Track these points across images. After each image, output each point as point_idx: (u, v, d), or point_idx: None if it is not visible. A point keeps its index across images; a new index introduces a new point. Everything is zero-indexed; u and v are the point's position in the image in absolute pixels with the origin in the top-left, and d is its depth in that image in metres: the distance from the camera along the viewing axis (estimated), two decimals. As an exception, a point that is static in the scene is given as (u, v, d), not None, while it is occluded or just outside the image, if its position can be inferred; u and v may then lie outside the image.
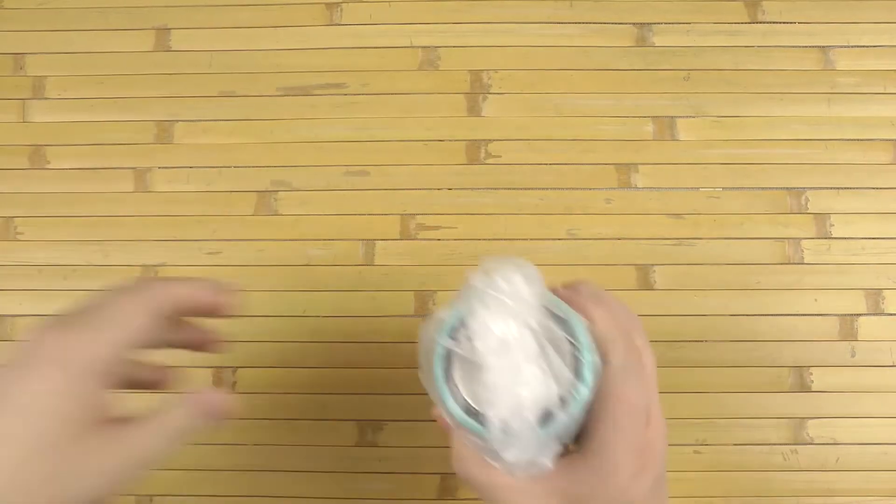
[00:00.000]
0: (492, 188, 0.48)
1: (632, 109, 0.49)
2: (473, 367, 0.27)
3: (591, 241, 0.48)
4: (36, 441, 0.25)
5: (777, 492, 0.45)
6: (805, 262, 0.47)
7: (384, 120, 0.49)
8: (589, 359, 0.27)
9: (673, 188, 0.48)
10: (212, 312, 0.31)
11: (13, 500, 0.25)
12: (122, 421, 0.27)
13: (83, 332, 0.27)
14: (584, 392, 0.27)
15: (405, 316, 0.47)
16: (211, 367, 0.46)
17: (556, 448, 0.28)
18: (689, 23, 0.50)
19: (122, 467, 0.27)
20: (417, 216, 0.48)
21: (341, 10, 0.51)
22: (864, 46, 0.50)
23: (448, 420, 0.28)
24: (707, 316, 0.47)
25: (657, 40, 0.50)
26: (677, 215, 0.48)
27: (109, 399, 0.27)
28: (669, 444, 0.45)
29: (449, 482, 0.45)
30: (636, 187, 0.48)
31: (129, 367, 0.31)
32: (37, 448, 0.25)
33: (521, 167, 0.49)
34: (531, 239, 0.48)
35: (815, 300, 0.47)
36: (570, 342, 0.28)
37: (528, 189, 0.48)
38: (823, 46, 0.50)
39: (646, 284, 0.47)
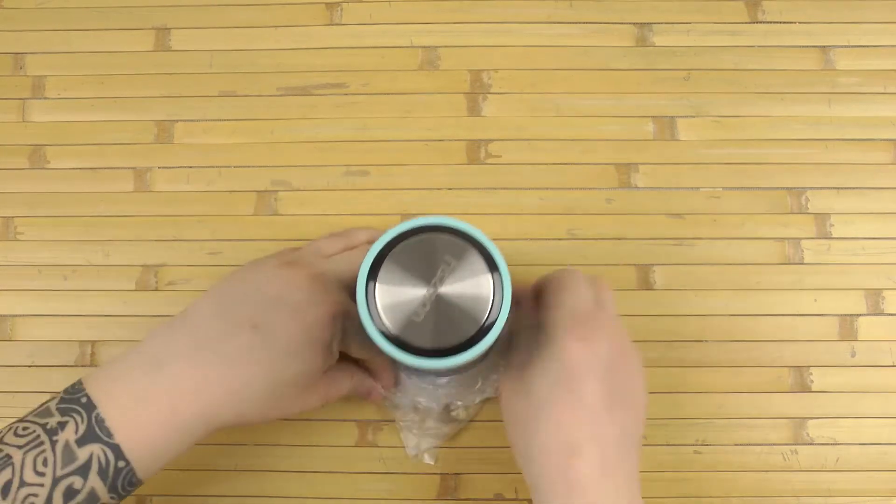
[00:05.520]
0: (492, 188, 0.48)
1: (632, 109, 0.49)
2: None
3: (591, 241, 0.48)
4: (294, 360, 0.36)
5: (777, 492, 0.45)
6: (805, 262, 0.47)
7: (384, 120, 0.49)
8: (501, 262, 0.34)
9: (673, 188, 0.48)
10: None
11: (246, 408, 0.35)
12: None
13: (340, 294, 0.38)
14: (507, 282, 0.34)
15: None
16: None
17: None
18: (690, 23, 0.50)
19: (315, 403, 0.39)
20: (418, 216, 0.48)
21: (341, 10, 0.51)
22: (864, 46, 0.50)
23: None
24: (707, 316, 0.47)
25: (657, 40, 0.50)
26: (677, 215, 0.48)
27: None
28: (669, 444, 0.45)
29: (449, 482, 0.45)
30: (636, 187, 0.48)
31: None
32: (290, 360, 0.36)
33: (521, 167, 0.49)
34: (531, 239, 0.48)
35: (815, 300, 0.47)
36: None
37: (528, 189, 0.48)
38: (823, 46, 0.50)
39: (646, 284, 0.47)
